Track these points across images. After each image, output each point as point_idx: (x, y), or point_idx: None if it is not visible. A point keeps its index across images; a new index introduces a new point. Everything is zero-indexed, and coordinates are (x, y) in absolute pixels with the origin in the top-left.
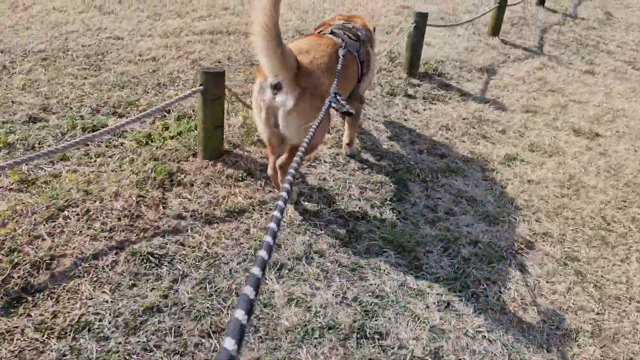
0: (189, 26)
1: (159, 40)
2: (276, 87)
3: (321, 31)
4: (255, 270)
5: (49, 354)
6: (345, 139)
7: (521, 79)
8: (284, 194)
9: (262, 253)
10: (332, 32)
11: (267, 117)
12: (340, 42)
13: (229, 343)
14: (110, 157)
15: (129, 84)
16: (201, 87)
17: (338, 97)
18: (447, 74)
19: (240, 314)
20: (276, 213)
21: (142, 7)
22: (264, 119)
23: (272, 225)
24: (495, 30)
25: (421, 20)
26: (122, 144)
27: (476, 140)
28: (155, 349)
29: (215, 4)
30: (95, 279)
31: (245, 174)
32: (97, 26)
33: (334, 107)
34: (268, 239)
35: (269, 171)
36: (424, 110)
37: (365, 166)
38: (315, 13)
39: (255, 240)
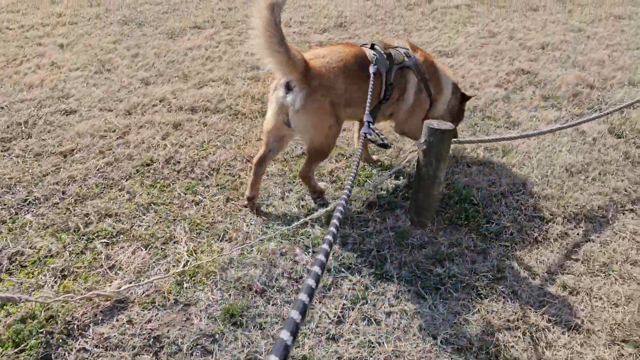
0: (175, 96)
1: (114, 117)
2: (288, 87)
3: (364, 44)
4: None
5: None
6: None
7: None
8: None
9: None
10: (372, 46)
11: (278, 113)
12: (372, 55)
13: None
14: None
15: None
16: None
17: (372, 127)
18: None
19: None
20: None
21: (151, 64)
22: (274, 113)
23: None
24: None
25: None
26: None
27: None
28: None
29: (235, 70)
30: None
31: None
32: (67, 92)
33: (370, 140)
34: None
35: (254, 161)
36: None
37: None
38: None
39: None
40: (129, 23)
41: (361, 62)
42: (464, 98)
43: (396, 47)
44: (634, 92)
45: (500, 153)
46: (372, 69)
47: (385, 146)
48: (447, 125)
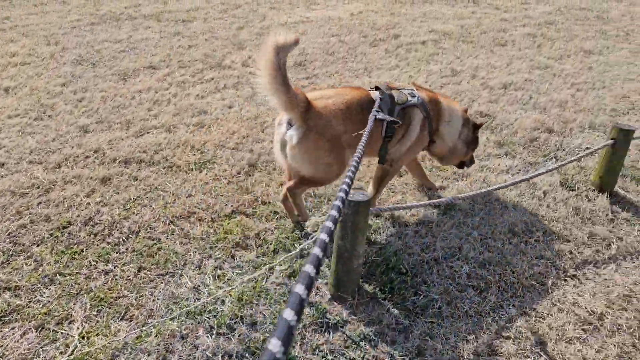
0: (111, 146)
1: (42, 172)
2: (289, 123)
3: (372, 88)
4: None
5: None
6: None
7: None
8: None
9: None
10: (376, 88)
11: (281, 147)
12: (376, 97)
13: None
14: None
15: None
16: None
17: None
18: None
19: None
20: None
21: (95, 109)
22: (278, 149)
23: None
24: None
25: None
26: None
27: None
28: None
29: (181, 115)
30: None
31: None
32: None
33: (378, 118)
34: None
35: (281, 196)
36: None
37: None
38: None
39: None
40: (83, 63)
41: (364, 105)
42: (476, 127)
43: (400, 88)
44: (593, 138)
45: (442, 209)
46: (373, 111)
47: (394, 122)
48: (362, 196)
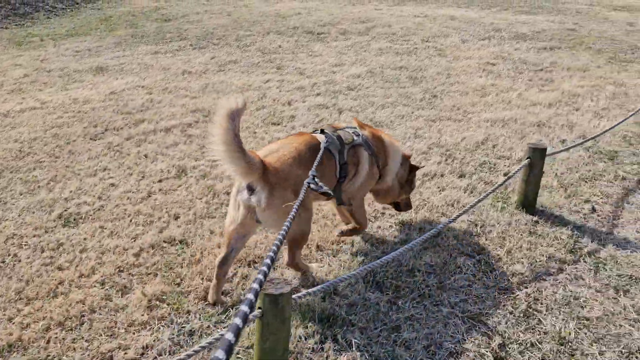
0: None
1: None
2: (250, 188)
3: (315, 130)
4: None
5: None
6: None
7: None
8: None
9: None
10: (322, 131)
11: (245, 214)
12: (324, 139)
13: None
14: None
15: None
16: None
17: (316, 179)
18: None
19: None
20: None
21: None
22: (242, 214)
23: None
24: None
25: None
26: None
27: None
28: None
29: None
30: None
31: None
32: None
33: (312, 188)
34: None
35: (216, 262)
36: None
37: None
38: None
39: None
40: None
41: (314, 148)
42: (413, 168)
43: (344, 127)
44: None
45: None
46: (322, 147)
47: (326, 194)
48: (283, 288)
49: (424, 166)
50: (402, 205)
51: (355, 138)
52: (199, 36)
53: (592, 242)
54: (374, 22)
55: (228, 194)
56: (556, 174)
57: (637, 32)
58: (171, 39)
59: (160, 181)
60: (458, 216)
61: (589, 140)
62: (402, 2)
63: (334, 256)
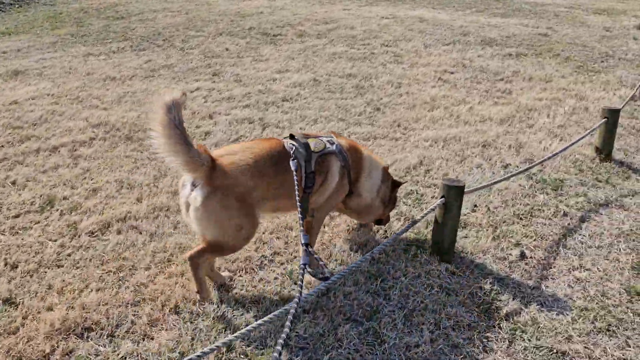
0: None
1: None
2: (194, 184)
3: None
4: None
5: None
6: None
7: None
8: None
9: None
10: (292, 137)
11: (184, 211)
12: (290, 147)
13: None
14: None
15: None
16: None
17: (315, 256)
18: None
19: None
20: None
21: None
22: (183, 212)
23: None
24: None
25: None
26: None
27: None
28: None
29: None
30: None
31: None
32: None
33: (309, 273)
34: None
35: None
36: None
37: None
38: None
39: None
40: None
41: (275, 156)
42: (395, 185)
43: (318, 136)
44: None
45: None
46: (292, 164)
47: (325, 279)
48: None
49: (407, 182)
50: (383, 221)
51: (328, 146)
52: (144, 36)
53: (513, 299)
54: (337, 23)
55: (92, 233)
56: (489, 208)
57: (612, 38)
58: (112, 39)
59: (16, 216)
60: (356, 266)
61: (533, 166)
62: (375, 2)
63: (191, 322)
